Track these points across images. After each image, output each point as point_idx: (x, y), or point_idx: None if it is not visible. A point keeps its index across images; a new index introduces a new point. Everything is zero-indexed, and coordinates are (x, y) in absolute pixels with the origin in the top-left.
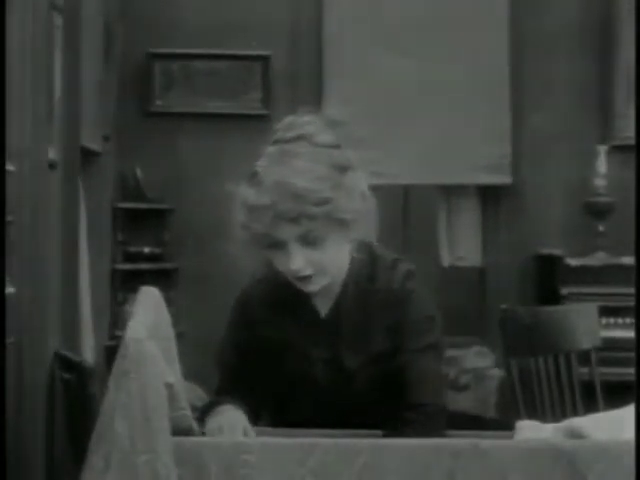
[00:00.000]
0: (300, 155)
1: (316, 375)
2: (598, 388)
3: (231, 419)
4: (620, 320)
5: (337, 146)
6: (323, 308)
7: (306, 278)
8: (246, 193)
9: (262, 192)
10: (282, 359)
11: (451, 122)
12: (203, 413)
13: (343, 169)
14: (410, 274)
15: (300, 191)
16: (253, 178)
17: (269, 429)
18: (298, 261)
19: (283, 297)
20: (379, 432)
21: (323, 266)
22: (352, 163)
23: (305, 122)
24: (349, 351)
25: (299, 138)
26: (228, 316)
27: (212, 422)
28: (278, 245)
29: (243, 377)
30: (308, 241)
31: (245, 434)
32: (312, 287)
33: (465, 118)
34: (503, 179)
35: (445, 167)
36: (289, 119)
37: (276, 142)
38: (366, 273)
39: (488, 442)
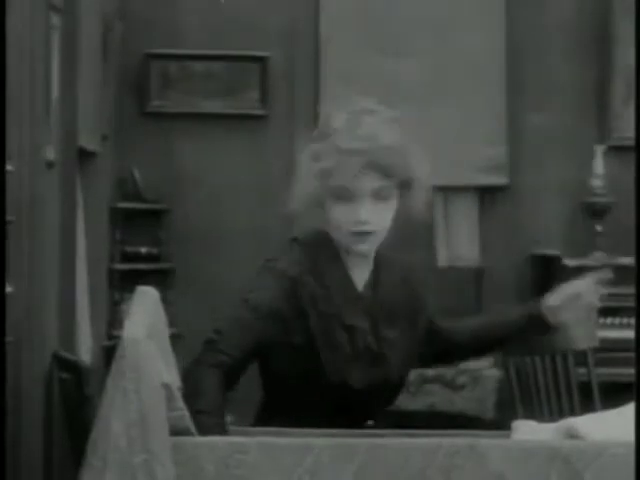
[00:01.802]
0: (380, 116)
1: (359, 344)
2: (595, 388)
3: None
4: (618, 320)
5: (398, 120)
6: (359, 282)
7: (364, 235)
8: (337, 138)
9: (355, 139)
10: (323, 336)
11: (448, 123)
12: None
13: (409, 140)
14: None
15: (391, 143)
16: (326, 134)
17: (267, 429)
18: (368, 213)
19: (322, 272)
20: (377, 432)
21: (383, 226)
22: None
23: (371, 102)
24: (386, 323)
25: (371, 111)
26: (256, 280)
27: None
28: (350, 197)
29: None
30: (381, 196)
31: None
32: (366, 246)
33: (461, 119)
34: (500, 180)
35: (442, 168)
36: (356, 98)
37: (350, 112)
38: (388, 257)
39: (485, 442)
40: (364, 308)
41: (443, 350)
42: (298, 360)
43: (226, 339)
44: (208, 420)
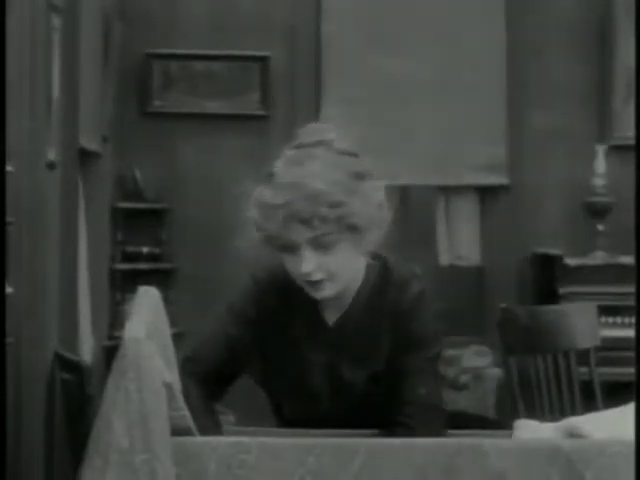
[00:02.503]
0: (318, 159)
1: (312, 381)
2: (597, 387)
3: None
4: (619, 319)
5: (355, 154)
6: (331, 317)
7: (316, 283)
8: (261, 192)
9: (277, 191)
10: (280, 360)
11: (449, 123)
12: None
13: (360, 176)
14: (421, 295)
15: (314, 192)
16: (269, 178)
17: (268, 429)
18: (309, 264)
19: (292, 300)
20: (377, 431)
21: (334, 272)
22: (370, 172)
23: (326, 129)
24: (350, 364)
25: (318, 143)
26: (227, 307)
27: None
28: (290, 248)
29: (228, 367)
30: (320, 245)
31: None
32: (322, 293)
33: (462, 119)
34: (499, 180)
35: (443, 168)
36: (311, 125)
37: (296, 147)
38: (378, 289)
39: (487, 441)
40: (330, 343)
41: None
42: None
43: (212, 347)
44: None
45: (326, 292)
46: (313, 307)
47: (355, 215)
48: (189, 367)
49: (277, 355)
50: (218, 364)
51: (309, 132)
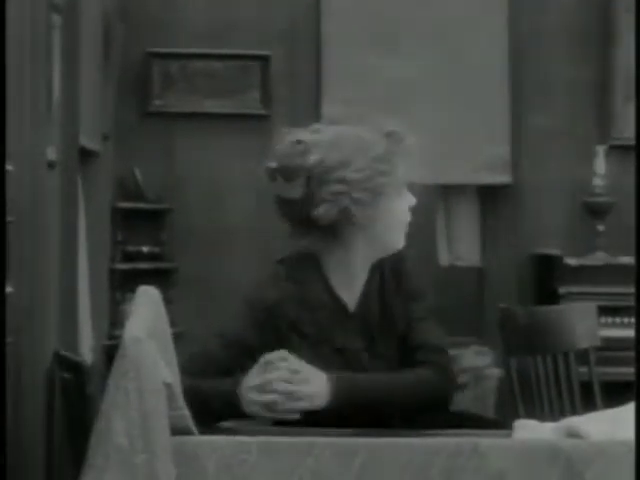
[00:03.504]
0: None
1: (354, 366)
2: (597, 388)
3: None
4: (619, 320)
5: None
6: (350, 302)
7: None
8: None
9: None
10: (310, 355)
11: (450, 122)
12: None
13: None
14: (405, 253)
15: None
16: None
17: (267, 428)
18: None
19: (307, 295)
20: (376, 431)
21: None
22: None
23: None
24: (381, 339)
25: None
26: (220, 340)
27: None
28: (402, 188)
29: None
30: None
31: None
32: (403, 241)
33: (464, 118)
34: (503, 179)
35: (445, 167)
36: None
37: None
38: (380, 266)
39: (486, 441)
40: (356, 328)
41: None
42: None
43: (194, 365)
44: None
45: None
46: (330, 298)
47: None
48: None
49: (310, 358)
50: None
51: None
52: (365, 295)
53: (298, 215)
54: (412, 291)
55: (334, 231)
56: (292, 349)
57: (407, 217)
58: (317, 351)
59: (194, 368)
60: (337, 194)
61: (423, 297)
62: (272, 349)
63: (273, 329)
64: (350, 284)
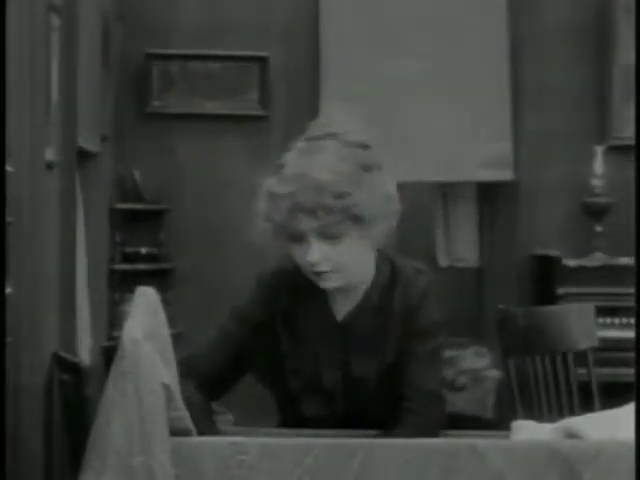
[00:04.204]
0: (326, 150)
1: (325, 377)
2: (595, 388)
3: None
4: (617, 320)
5: (366, 146)
6: (340, 312)
7: (322, 274)
8: (270, 183)
9: (284, 182)
10: (290, 358)
11: (451, 120)
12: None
13: (368, 168)
14: (427, 290)
15: (319, 182)
16: (279, 169)
17: (267, 429)
18: (315, 254)
19: (299, 298)
20: (375, 432)
21: (341, 264)
22: (380, 164)
23: (337, 121)
24: (360, 359)
25: (328, 135)
26: (231, 311)
27: None
28: (297, 237)
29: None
30: (326, 235)
31: None
32: (328, 284)
33: (465, 116)
34: (505, 175)
35: (446, 165)
36: (322, 118)
37: (306, 139)
38: (388, 287)
39: (485, 442)
40: (338, 339)
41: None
42: (264, 376)
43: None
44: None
45: (332, 283)
46: (322, 304)
47: (360, 206)
48: (189, 370)
49: (287, 354)
50: (219, 368)
51: (320, 125)
52: (356, 312)
53: None
54: (423, 330)
55: None
56: (281, 340)
57: (311, 266)
58: (301, 355)
59: (214, 354)
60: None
61: (434, 336)
62: (269, 329)
63: (272, 311)
64: (342, 299)
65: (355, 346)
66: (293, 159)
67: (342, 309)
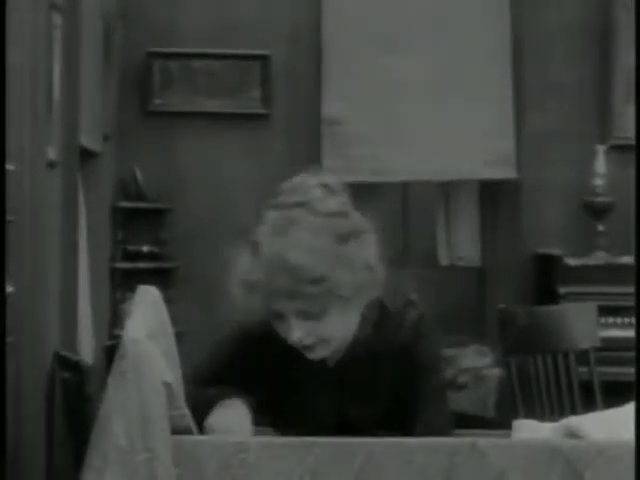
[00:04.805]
0: (299, 225)
1: (318, 423)
2: (596, 387)
3: (235, 419)
4: (619, 320)
5: (340, 213)
6: (331, 359)
7: (308, 347)
8: (243, 269)
9: (258, 266)
10: (284, 404)
11: (453, 119)
12: (206, 403)
13: (345, 238)
14: (419, 323)
15: (295, 267)
16: (253, 249)
17: (267, 428)
18: (297, 332)
19: (284, 348)
20: (377, 431)
21: (325, 337)
22: (359, 228)
23: (309, 186)
24: (354, 403)
25: (300, 205)
26: (218, 346)
27: (216, 418)
28: (277, 317)
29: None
30: (307, 315)
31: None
32: (315, 355)
33: (467, 115)
34: (507, 173)
35: (449, 163)
36: (294, 181)
37: (277, 207)
38: (376, 327)
39: (486, 441)
40: (329, 384)
41: None
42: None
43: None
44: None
45: (319, 354)
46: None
47: (341, 286)
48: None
49: (279, 403)
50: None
51: (291, 191)
52: (346, 356)
53: None
54: (424, 367)
55: None
56: (265, 396)
57: (297, 344)
58: (285, 400)
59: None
60: None
61: (434, 371)
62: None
63: (249, 370)
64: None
65: (347, 391)
66: (266, 238)
67: (333, 356)
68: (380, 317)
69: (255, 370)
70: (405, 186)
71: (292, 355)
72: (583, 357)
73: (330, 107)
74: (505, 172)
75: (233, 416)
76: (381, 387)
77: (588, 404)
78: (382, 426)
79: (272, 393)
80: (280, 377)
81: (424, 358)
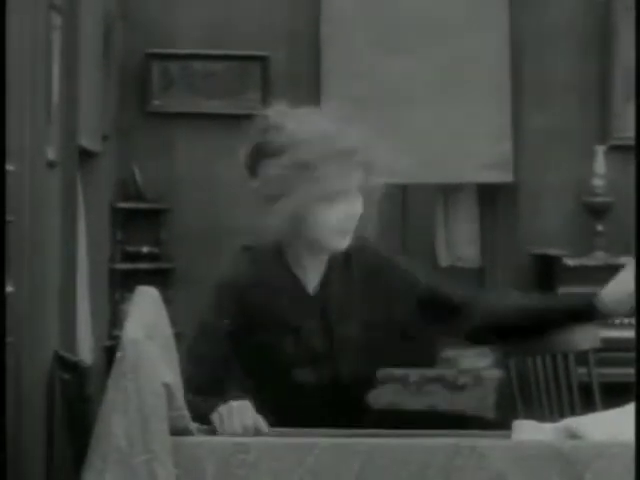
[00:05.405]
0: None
1: (308, 348)
2: (596, 388)
3: (245, 406)
4: (618, 320)
5: None
6: (311, 285)
7: (348, 232)
8: (336, 137)
9: (345, 137)
10: (276, 340)
11: (451, 121)
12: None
13: None
14: (379, 250)
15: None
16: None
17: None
18: (357, 208)
19: (269, 279)
20: (378, 432)
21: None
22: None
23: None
24: (339, 323)
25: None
26: (208, 303)
27: (226, 406)
28: (336, 196)
29: (234, 363)
30: (360, 192)
31: (254, 420)
32: (346, 242)
33: (465, 117)
34: (505, 177)
35: (446, 166)
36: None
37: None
38: (343, 254)
39: (486, 442)
40: (314, 309)
41: (481, 325)
42: (252, 365)
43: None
44: None
45: (348, 241)
46: (291, 283)
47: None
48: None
49: (270, 341)
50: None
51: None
52: (325, 282)
53: None
54: (406, 270)
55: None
56: (257, 328)
57: (346, 222)
58: (275, 331)
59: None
60: None
61: (415, 266)
62: (243, 333)
63: (240, 313)
64: (310, 272)
65: (332, 312)
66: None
67: (311, 282)
68: (358, 243)
69: (250, 306)
70: (404, 187)
71: (273, 292)
72: (583, 358)
73: (329, 108)
74: (503, 176)
75: (243, 405)
76: (361, 305)
77: (588, 405)
78: (368, 339)
79: (261, 334)
80: (267, 317)
81: (407, 266)
